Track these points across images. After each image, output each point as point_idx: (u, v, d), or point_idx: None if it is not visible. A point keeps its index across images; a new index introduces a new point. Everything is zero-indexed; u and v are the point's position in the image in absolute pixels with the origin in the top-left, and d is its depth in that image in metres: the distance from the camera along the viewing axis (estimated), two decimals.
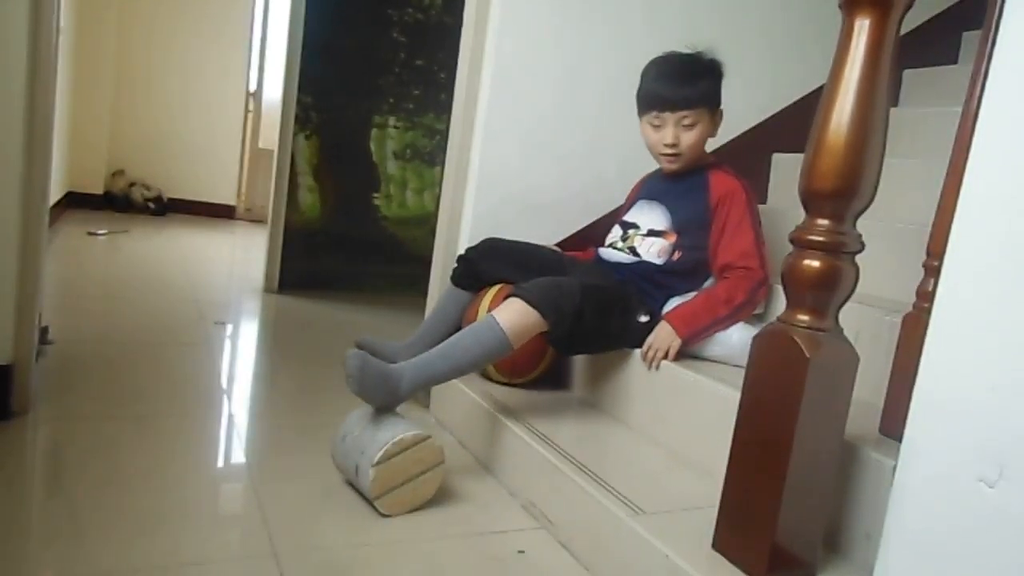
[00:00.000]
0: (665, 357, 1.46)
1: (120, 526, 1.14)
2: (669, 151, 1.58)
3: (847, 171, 0.91)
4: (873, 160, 0.92)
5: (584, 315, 1.45)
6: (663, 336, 1.47)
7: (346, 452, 1.33)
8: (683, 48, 1.60)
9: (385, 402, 1.34)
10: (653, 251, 1.60)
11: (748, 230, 1.53)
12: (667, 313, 1.52)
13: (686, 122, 1.56)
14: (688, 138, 1.57)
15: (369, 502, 1.29)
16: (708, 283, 1.60)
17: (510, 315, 1.41)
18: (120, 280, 3.01)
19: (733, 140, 2.18)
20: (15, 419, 1.47)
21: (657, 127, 1.59)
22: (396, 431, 1.28)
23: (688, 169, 1.62)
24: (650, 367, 1.48)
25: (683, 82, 1.55)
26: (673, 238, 1.60)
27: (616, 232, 1.71)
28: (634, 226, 1.67)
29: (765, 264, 1.52)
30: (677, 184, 1.64)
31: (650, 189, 1.72)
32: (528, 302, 1.42)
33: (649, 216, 1.65)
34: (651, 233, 1.63)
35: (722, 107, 1.60)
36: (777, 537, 0.95)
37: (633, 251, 1.63)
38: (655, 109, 1.57)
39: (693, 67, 1.57)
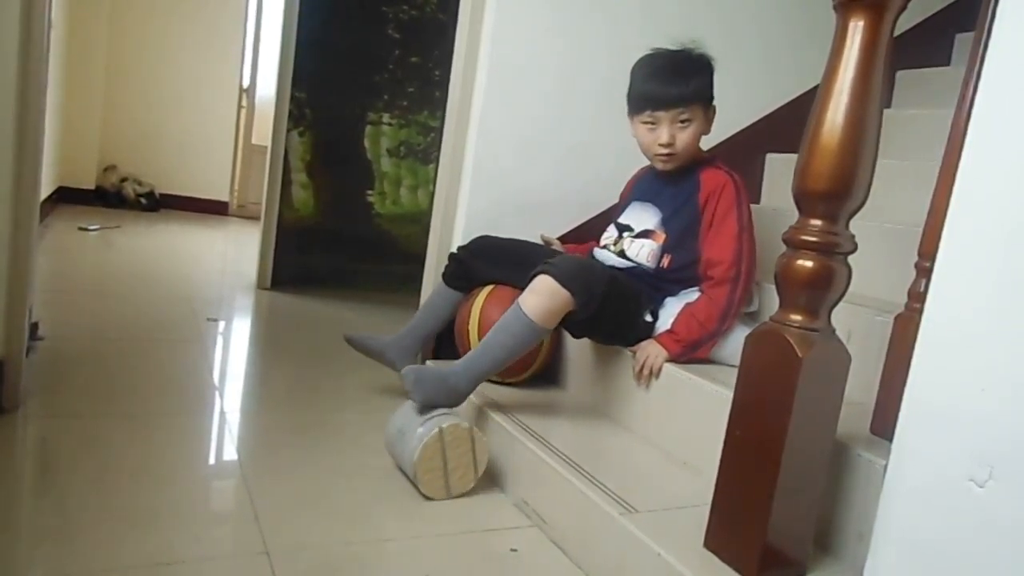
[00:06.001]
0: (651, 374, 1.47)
1: (111, 523, 1.13)
2: (664, 151, 1.55)
3: (841, 172, 0.92)
4: (866, 161, 0.92)
5: (610, 300, 1.45)
6: (653, 353, 1.47)
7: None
8: (671, 44, 1.57)
9: (450, 401, 1.42)
10: (643, 254, 1.59)
11: (733, 223, 1.51)
12: (658, 335, 1.51)
13: (682, 119, 1.53)
14: (684, 137, 1.54)
15: (408, 478, 1.37)
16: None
17: (537, 298, 1.42)
18: (112, 276, 2.99)
19: (727, 139, 2.18)
20: (5, 415, 1.46)
21: (652, 127, 1.55)
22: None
23: (681, 168, 1.60)
24: (639, 383, 1.49)
25: (676, 79, 1.52)
26: (662, 238, 1.58)
27: (611, 233, 1.70)
28: (628, 228, 1.66)
29: (747, 258, 1.49)
30: (670, 185, 1.62)
31: (644, 189, 1.70)
32: (557, 279, 1.41)
33: (641, 217, 1.64)
34: (641, 234, 1.62)
35: (715, 103, 1.58)
36: (768, 536, 0.95)
37: (623, 255, 1.62)
38: (649, 108, 1.54)
39: (685, 63, 1.54)
